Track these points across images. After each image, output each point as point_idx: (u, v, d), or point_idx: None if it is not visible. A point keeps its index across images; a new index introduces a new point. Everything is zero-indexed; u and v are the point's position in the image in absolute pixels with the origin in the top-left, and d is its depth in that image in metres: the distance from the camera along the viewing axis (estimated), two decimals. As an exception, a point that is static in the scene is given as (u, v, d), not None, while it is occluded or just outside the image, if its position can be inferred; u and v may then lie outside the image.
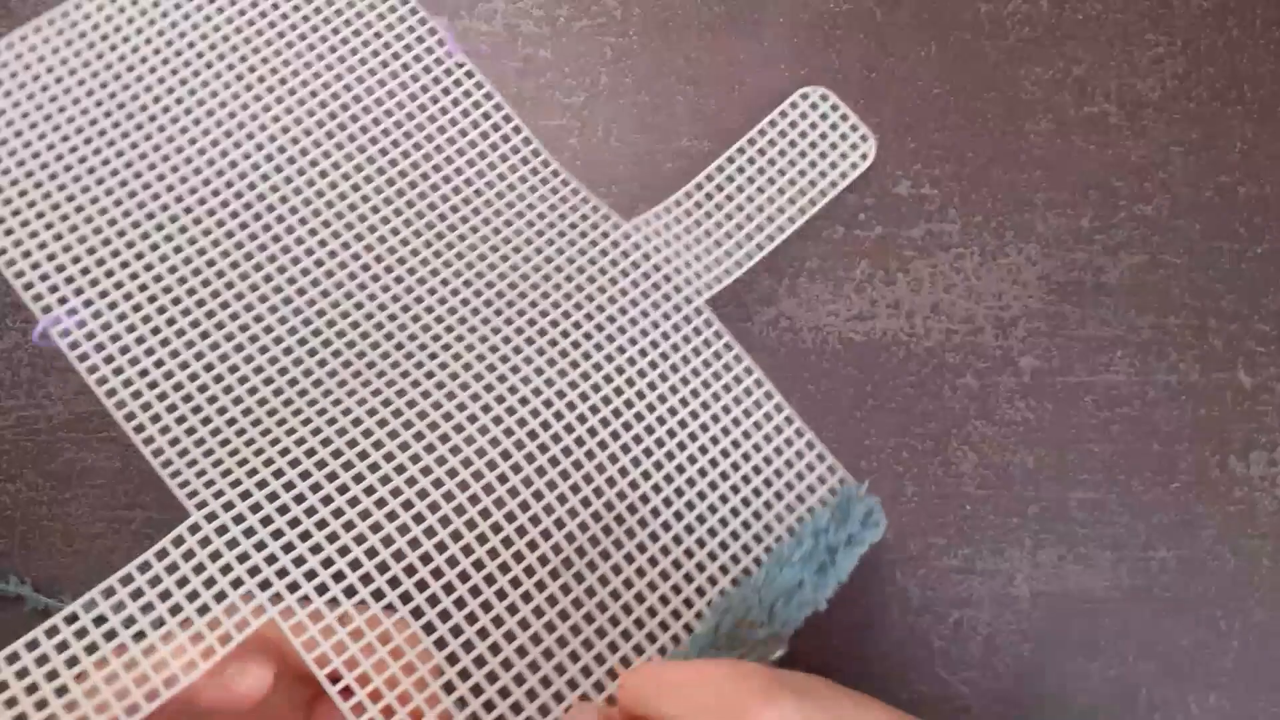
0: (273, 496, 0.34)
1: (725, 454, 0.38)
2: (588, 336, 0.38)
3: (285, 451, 0.35)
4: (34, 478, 0.40)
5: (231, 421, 0.35)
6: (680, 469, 0.37)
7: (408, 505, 0.35)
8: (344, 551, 0.33)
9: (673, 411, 0.38)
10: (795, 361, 0.40)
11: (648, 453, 0.37)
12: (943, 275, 0.42)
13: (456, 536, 0.35)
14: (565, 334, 0.38)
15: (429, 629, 0.33)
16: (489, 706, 0.33)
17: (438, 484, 0.35)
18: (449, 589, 0.34)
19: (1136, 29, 0.44)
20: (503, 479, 0.36)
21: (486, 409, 0.37)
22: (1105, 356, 0.41)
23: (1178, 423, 0.40)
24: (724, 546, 0.36)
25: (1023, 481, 0.39)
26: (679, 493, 0.37)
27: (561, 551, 0.35)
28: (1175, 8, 0.45)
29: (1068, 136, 0.43)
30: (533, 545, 0.35)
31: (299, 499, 0.34)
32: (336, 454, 0.35)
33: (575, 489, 0.36)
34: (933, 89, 0.44)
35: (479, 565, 0.34)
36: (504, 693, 0.33)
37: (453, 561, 0.34)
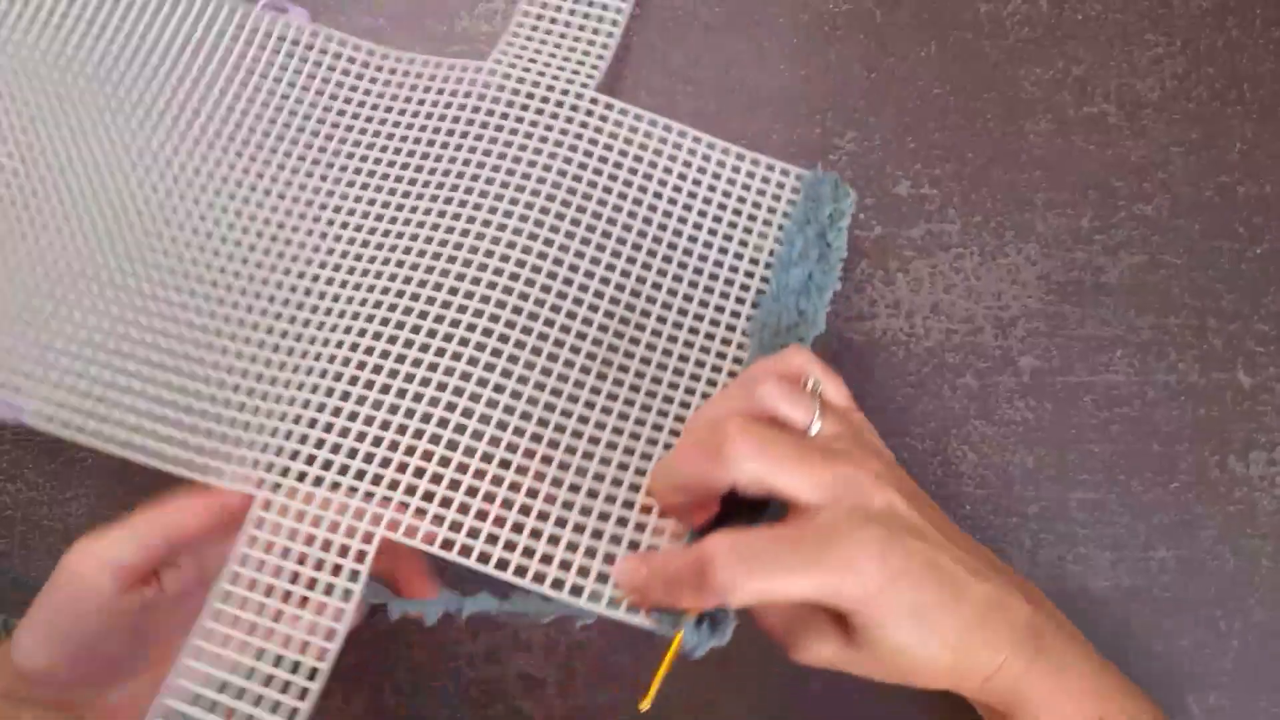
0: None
1: (688, 208, 0.40)
2: (510, 173, 0.40)
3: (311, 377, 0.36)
4: (34, 477, 0.40)
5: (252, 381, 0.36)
6: (657, 240, 0.40)
7: (446, 378, 0.36)
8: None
9: (622, 196, 0.40)
10: (795, 361, 0.40)
11: (621, 241, 0.39)
12: (942, 275, 0.42)
13: (507, 374, 0.36)
14: (491, 177, 0.40)
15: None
16: (581, 472, 0.34)
17: (457, 355, 0.36)
18: (516, 430, 0.35)
19: (1136, 29, 0.44)
20: (517, 311, 0.37)
21: (461, 275, 0.38)
22: (1105, 356, 0.41)
23: (1177, 423, 0.40)
24: (729, 282, 0.39)
25: (1022, 481, 0.39)
26: (667, 260, 0.39)
27: (602, 342, 0.37)
28: (1175, 8, 0.45)
29: (1068, 136, 0.43)
30: (575, 349, 0.37)
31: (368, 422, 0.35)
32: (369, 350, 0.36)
33: (580, 299, 0.38)
34: (933, 89, 0.44)
35: (540, 386, 0.36)
36: (598, 476, 0.34)
37: (516, 394, 0.35)
